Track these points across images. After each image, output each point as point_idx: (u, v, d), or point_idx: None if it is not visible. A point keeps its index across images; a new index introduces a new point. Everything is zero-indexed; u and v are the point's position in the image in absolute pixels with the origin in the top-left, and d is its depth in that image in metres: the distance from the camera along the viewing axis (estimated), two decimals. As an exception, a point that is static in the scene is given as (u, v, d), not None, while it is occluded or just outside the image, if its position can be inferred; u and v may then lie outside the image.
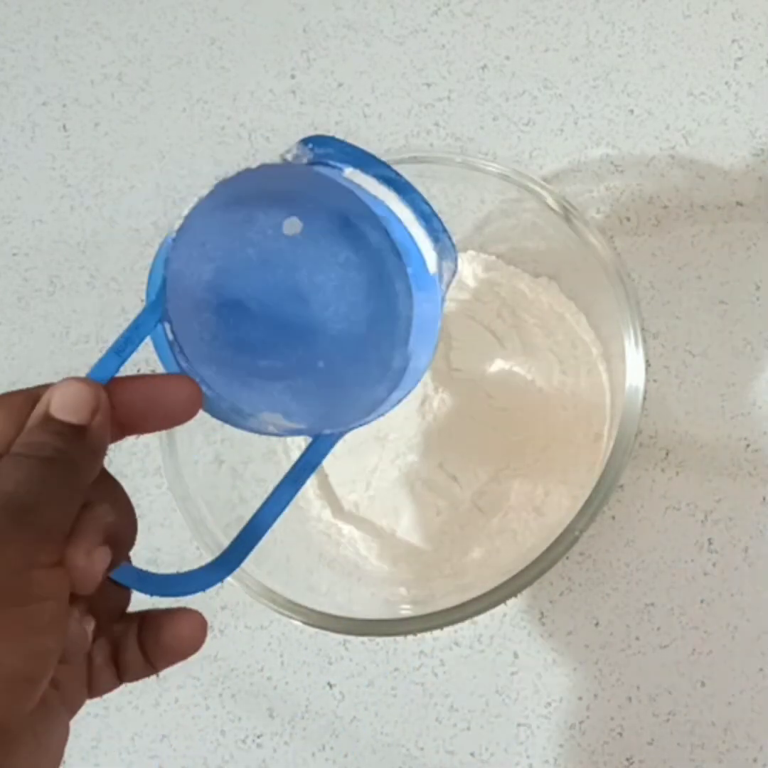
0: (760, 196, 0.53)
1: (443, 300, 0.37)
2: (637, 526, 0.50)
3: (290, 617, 0.44)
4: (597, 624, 0.50)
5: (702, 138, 0.54)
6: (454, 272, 0.38)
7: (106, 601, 0.32)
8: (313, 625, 0.44)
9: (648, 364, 0.45)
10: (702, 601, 0.49)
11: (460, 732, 0.50)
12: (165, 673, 0.33)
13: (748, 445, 0.50)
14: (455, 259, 0.38)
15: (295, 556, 0.50)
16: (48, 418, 0.29)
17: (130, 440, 0.34)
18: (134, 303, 0.57)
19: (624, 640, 0.49)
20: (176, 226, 0.33)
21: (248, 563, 0.45)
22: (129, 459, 0.54)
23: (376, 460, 0.50)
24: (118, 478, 0.32)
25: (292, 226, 0.37)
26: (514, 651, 0.50)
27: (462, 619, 0.43)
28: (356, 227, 0.37)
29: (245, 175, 0.34)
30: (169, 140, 0.59)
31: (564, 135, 0.55)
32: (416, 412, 0.50)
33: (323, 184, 0.36)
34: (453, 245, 0.37)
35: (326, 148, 0.36)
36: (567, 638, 0.50)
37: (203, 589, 0.33)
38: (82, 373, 0.31)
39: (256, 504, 0.35)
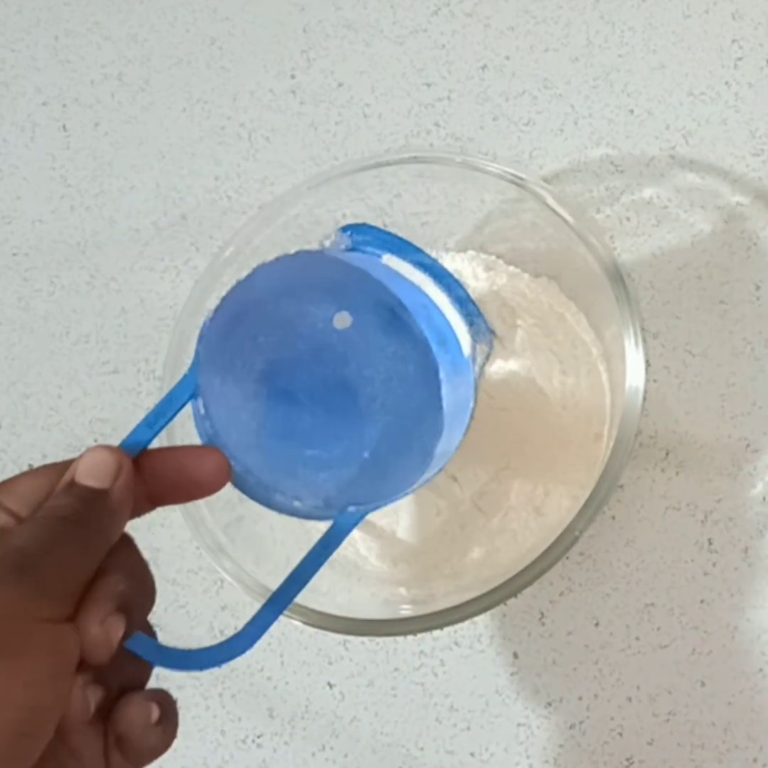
0: (760, 196, 0.53)
1: (476, 381, 0.38)
2: (637, 526, 0.50)
3: (290, 617, 0.44)
4: (597, 624, 0.49)
5: (702, 138, 0.54)
6: (488, 354, 0.38)
7: (119, 674, 0.31)
8: (313, 625, 0.44)
9: (648, 364, 0.45)
10: (702, 601, 0.49)
11: (460, 732, 0.50)
12: (164, 673, 0.33)
13: (748, 445, 0.50)
14: (490, 342, 0.38)
15: (295, 556, 0.49)
16: (72, 484, 0.30)
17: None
18: (134, 303, 0.57)
19: (624, 640, 0.49)
20: (214, 307, 0.33)
21: (248, 564, 0.45)
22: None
23: (376, 460, 0.50)
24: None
25: (343, 320, 0.37)
26: (514, 651, 0.50)
27: (462, 619, 0.43)
28: (401, 319, 0.38)
29: (285, 260, 0.35)
30: (169, 140, 0.59)
31: (564, 135, 0.55)
32: (416, 412, 0.50)
33: (365, 274, 0.37)
34: (489, 328, 0.38)
35: (364, 236, 0.37)
36: (567, 638, 0.50)
37: (219, 665, 0.32)
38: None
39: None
